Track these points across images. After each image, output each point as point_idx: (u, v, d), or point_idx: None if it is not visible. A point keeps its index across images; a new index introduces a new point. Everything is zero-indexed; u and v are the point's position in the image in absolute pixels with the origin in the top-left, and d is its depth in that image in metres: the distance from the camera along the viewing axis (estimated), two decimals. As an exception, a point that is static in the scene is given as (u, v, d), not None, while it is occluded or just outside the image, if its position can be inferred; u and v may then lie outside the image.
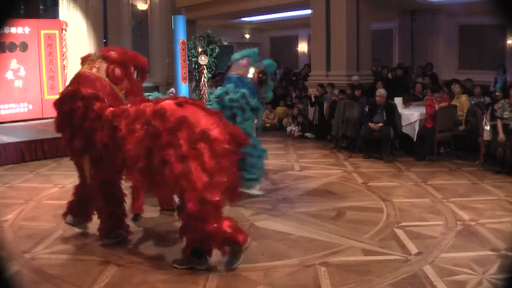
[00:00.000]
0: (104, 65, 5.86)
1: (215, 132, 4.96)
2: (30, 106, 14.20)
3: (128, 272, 5.24)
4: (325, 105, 12.82)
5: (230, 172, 5.05)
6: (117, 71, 5.82)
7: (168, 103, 5.17)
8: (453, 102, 10.80)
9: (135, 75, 6.06)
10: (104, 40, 16.00)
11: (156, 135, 4.97)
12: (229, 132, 5.09)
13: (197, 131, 4.89)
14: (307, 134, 13.62)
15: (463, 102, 10.74)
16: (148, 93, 7.47)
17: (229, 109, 7.44)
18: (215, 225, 4.96)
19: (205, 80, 14.43)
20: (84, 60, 6.25)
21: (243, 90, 7.56)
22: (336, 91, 12.88)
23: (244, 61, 7.97)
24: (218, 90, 7.83)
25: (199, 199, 4.84)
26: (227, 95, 7.57)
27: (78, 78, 5.89)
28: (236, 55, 8.17)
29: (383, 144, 10.49)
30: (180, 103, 5.15)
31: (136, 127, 5.11)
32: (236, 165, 5.21)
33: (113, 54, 5.93)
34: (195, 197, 4.84)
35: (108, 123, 5.37)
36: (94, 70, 5.87)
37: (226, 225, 5.03)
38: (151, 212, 7.09)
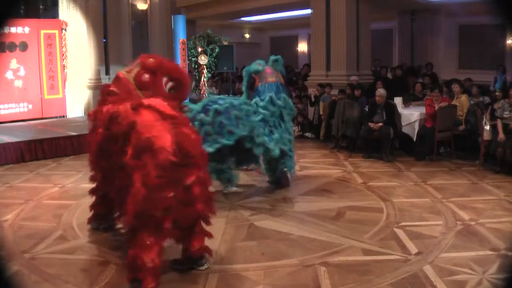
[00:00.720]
0: (136, 70, 5.72)
1: (161, 140, 4.49)
2: (30, 106, 14.21)
3: (128, 272, 5.24)
4: (321, 104, 12.82)
5: (178, 186, 4.61)
6: (145, 76, 5.59)
7: (124, 106, 4.87)
8: (453, 102, 10.79)
9: (167, 87, 5.66)
10: (104, 40, 16.00)
11: (110, 139, 4.89)
12: (178, 142, 4.59)
13: (143, 138, 4.50)
14: (307, 134, 13.62)
15: (463, 102, 10.74)
16: None
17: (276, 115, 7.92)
18: (140, 249, 4.55)
19: (205, 80, 14.46)
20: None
21: (283, 95, 8.11)
22: (335, 91, 12.86)
23: (268, 69, 8.40)
24: (262, 102, 7.96)
25: (136, 213, 4.51)
26: (272, 103, 7.92)
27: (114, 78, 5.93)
28: (256, 67, 8.44)
29: (383, 144, 10.49)
30: (135, 107, 4.77)
31: (98, 130, 5.15)
32: (195, 179, 4.74)
33: (149, 61, 5.72)
34: (132, 210, 4.50)
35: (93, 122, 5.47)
36: (129, 72, 5.78)
37: (150, 256, 4.56)
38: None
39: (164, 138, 4.51)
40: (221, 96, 8.34)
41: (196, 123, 7.21)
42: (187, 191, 4.70)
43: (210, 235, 5.27)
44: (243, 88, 8.59)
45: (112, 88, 5.68)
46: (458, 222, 6.57)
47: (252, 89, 8.28)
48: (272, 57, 8.64)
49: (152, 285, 4.54)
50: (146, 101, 4.87)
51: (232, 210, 7.29)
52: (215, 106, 7.42)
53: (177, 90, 5.62)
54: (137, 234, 4.59)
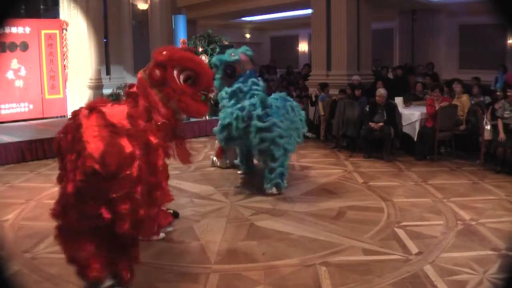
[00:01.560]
0: (150, 65, 5.60)
1: (91, 147, 4.20)
2: (31, 106, 14.23)
3: (129, 272, 5.24)
4: (320, 104, 12.82)
5: (101, 198, 4.24)
6: (156, 72, 5.43)
7: (81, 108, 4.66)
8: (454, 102, 10.78)
9: (181, 79, 5.50)
10: (105, 40, 16.01)
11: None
12: (106, 152, 4.20)
13: (80, 140, 4.27)
14: (308, 134, 13.58)
15: (463, 101, 10.73)
16: None
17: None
18: (72, 252, 4.52)
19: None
20: None
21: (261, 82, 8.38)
22: (336, 91, 12.85)
23: (244, 57, 8.45)
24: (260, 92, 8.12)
25: (60, 207, 4.42)
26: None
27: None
28: (233, 57, 8.39)
29: (384, 144, 10.48)
30: (90, 110, 4.47)
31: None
32: (122, 195, 4.25)
33: (160, 54, 5.56)
34: (57, 202, 4.46)
35: None
36: (145, 70, 5.65)
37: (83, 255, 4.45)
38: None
39: (95, 145, 4.21)
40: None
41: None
42: (110, 206, 4.24)
43: (138, 261, 4.78)
44: (217, 77, 8.42)
45: (132, 90, 5.66)
46: (459, 222, 6.57)
47: (232, 77, 8.28)
48: (244, 47, 8.79)
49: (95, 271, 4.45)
50: (99, 105, 4.60)
51: (232, 210, 7.30)
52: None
53: (193, 80, 5.49)
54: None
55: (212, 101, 10.27)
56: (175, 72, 5.44)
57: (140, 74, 5.66)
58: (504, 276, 4.57)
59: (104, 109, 4.50)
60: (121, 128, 4.40)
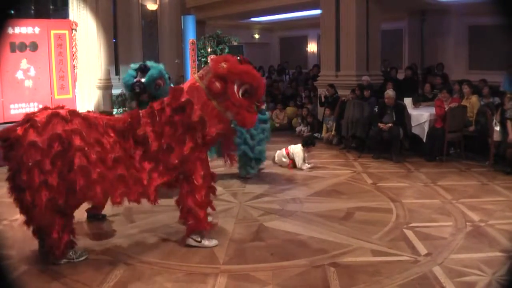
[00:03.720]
0: (209, 76, 5.74)
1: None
2: (40, 106, 14.05)
3: (137, 272, 5.27)
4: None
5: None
6: (216, 85, 5.63)
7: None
8: (463, 103, 10.75)
9: (240, 92, 5.71)
10: (114, 40, 16.05)
11: None
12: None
13: None
14: (316, 134, 13.59)
15: (473, 102, 10.71)
16: None
17: None
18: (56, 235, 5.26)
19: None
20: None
21: None
22: (345, 91, 12.84)
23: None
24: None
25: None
26: None
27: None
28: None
29: (393, 145, 10.47)
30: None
31: None
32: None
33: (220, 66, 5.69)
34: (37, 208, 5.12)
35: None
36: (202, 78, 5.84)
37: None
38: (160, 212, 7.08)
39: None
40: None
41: None
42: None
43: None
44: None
45: (187, 97, 5.74)
46: (468, 223, 6.55)
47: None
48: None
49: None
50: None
51: (241, 211, 7.31)
52: None
53: (250, 93, 5.75)
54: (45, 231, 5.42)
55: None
56: (236, 86, 5.67)
57: (196, 81, 5.84)
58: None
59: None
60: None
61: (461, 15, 16.53)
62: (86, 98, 15.68)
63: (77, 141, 5.17)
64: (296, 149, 10.12)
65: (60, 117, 5.29)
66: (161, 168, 5.71)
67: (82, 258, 5.55)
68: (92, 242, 6.20)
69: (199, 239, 5.90)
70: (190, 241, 5.92)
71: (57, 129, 5.17)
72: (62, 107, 5.60)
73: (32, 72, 13.91)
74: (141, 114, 5.81)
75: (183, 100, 5.74)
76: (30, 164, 5.03)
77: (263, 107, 6.14)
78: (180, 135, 5.73)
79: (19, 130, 5.18)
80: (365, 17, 13.43)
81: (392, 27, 18.69)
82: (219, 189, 8.26)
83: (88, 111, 6.24)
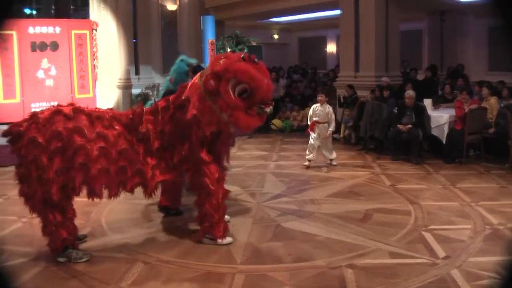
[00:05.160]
0: (207, 73, 5.66)
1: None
2: (61, 105, 14.35)
3: (155, 270, 5.30)
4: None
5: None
6: (210, 83, 5.53)
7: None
8: (483, 104, 10.67)
9: (237, 91, 5.53)
10: (134, 40, 16.13)
11: None
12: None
13: None
14: (335, 135, 13.55)
15: (492, 104, 10.63)
16: None
17: None
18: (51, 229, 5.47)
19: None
20: None
21: None
22: (364, 92, 12.80)
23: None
24: None
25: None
26: None
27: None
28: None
29: (412, 146, 10.42)
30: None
31: None
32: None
33: (218, 63, 5.60)
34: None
35: None
36: (201, 76, 5.77)
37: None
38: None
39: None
40: None
41: None
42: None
43: None
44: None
45: (185, 95, 5.76)
46: (487, 226, 6.50)
47: None
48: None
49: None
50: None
51: (259, 211, 7.31)
52: None
53: (249, 94, 5.55)
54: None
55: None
56: (230, 84, 5.47)
57: (196, 79, 5.75)
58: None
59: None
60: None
61: (480, 16, 16.42)
62: (106, 98, 15.78)
63: (78, 139, 5.31)
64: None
65: (62, 114, 5.42)
66: (163, 166, 5.79)
67: (83, 260, 5.55)
68: (110, 240, 6.25)
69: (213, 238, 5.96)
70: (205, 240, 6.00)
71: (58, 126, 5.31)
72: (72, 105, 5.71)
73: (53, 72, 14.05)
74: (144, 111, 5.85)
75: (183, 98, 5.77)
76: (28, 158, 5.24)
77: (268, 110, 5.82)
78: (180, 133, 5.78)
79: (23, 126, 5.36)
80: (384, 17, 13.39)
81: (412, 28, 18.64)
82: (236, 189, 8.31)
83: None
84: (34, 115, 5.47)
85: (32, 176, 5.24)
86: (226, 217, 6.33)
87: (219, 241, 5.94)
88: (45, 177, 5.19)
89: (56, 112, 5.44)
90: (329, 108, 10.31)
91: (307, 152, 10.20)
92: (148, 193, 5.80)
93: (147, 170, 5.66)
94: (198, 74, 5.86)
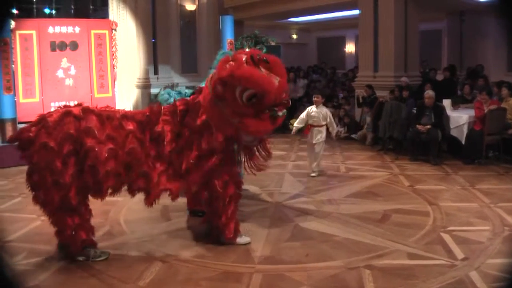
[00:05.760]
0: (215, 78, 5.44)
1: None
2: (80, 105, 14.45)
3: (173, 269, 5.32)
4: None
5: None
6: (218, 88, 5.36)
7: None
8: (502, 105, 10.59)
9: (245, 96, 5.30)
10: (153, 40, 16.20)
11: None
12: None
13: None
14: (354, 136, 13.54)
15: (511, 105, 10.54)
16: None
17: None
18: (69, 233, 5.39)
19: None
20: None
21: None
22: (383, 93, 12.77)
23: None
24: None
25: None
26: None
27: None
28: None
29: (431, 147, 10.37)
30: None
31: None
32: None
33: (224, 68, 5.33)
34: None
35: None
36: (212, 79, 5.53)
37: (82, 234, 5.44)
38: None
39: None
40: None
41: None
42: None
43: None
44: None
45: (198, 99, 5.69)
46: (506, 227, 6.45)
47: None
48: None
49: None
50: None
51: (277, 211, 7.32)
52: None
53: (259, 98, 5.28)
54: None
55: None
56: (237, 91, 5.27)
57: (207, 83, 5.57)
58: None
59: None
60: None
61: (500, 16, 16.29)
62: (125, 97, 15.87)
63: (89, 141, 5.19)
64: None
65: (72, 115, 5.28)
66: (170, 173, 5.61)
67: (101, 258, 5.56)
68: (128, 238, 6.29)
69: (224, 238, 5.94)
70: (221, 239, 5.96)
71: (69, 128, 5.19)
72: (80, 105, 5.56)
73: (72, 71, 14.15)
74: (162, 111, 5.71)
75: (195, 101, 5.70)
76: (42, 165, 5.13)
77: (281, 113, 5.47)
78: (189, 140, 5.66)
79: (32, 131, 5.24)
80: (403, 17, 13.34)
81: (431, 28, 18.54)
82: (255, 189, 8.33)
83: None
84: (42, 118, 5.33)
85: (48, 182, 5.13)
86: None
87: (237, 240, 5.93)
88: (61, 181, 5.10)
89: (66, 113, 5.31)
90: (326, 110, 9.61)
91: (308, 163, 9.73)
92: (150, 200, 5.60)
93: (153, 175, 5.50)
94: (210, 76, 5.61)
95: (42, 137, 5.16)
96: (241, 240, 5.98)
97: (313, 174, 9.40)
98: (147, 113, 5.65)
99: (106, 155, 5.22)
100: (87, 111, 5.40)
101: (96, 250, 5.60)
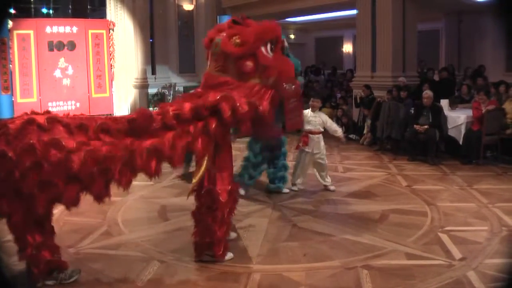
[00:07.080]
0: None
1: None
2: (78, 104, 14.46)
3: (171, 269, 5.32)
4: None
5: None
6: (247, 65, 5.55)
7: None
8: (506, 104, 10.59)
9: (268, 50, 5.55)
10: (151, 40, 16.19)
11: None
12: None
13: None
14: (351, 136, 13.53)
15: (508, 105, 10.55)
16: None
17: None
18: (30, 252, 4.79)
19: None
20: None
21: None
22: (381, 93, 12.77)
23: None
24: None
25: None
26: None
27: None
28: None
29: (428, 147, 10.37)
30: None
31: None
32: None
33: (234, 42, 5.66)
34: None
35: None
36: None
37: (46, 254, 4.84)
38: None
39: None
40: None
41: None
42: None
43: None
44: None
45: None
46: (504, 227, 6.45)
47: None
48: None
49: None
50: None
51: (275, 211, 7.32)
52: None
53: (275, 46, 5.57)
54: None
55: None
56: (262, 49, 5.54)
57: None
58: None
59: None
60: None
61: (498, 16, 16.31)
62: (123, 97, 15.87)
63: (54, 153, 4.60)
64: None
65: (36, 124, 4.70)
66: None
67: (73, 279, 5.04)
68: (126, 238, 6.28)
69: (213, 255, 5.50)
70: (205, 257, 5.51)
71: (31, 138, 4.60)
72: (49, 112, 5.11)
73: (70, 71, 14.16)
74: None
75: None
76: (1, 174, 4.55)
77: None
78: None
79: None
80: (401, 17, 13.33)
81: (429, 28, 18.57)
82: (253, 189, 8.31)
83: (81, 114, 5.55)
84: (3, 125, 4.70)
85: (10, 191, 4.57)
86: (233, 234, 6.10)
87: (225, 258, 5.53)
88: (25, 192, 4.57)
89: (29, 121, 4.71)
90: (324, 116, 8.71)
91: (294, 174, 8.64)
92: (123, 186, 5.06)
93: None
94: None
95: (0, 145, 4.57)
96: (227, 257, 5.59)
97: (332, 188, 8.42)
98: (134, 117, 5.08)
99: (79, 162, 4.68)
100: (53, 120, 4.84)
101: (65, 272, 5.04)
